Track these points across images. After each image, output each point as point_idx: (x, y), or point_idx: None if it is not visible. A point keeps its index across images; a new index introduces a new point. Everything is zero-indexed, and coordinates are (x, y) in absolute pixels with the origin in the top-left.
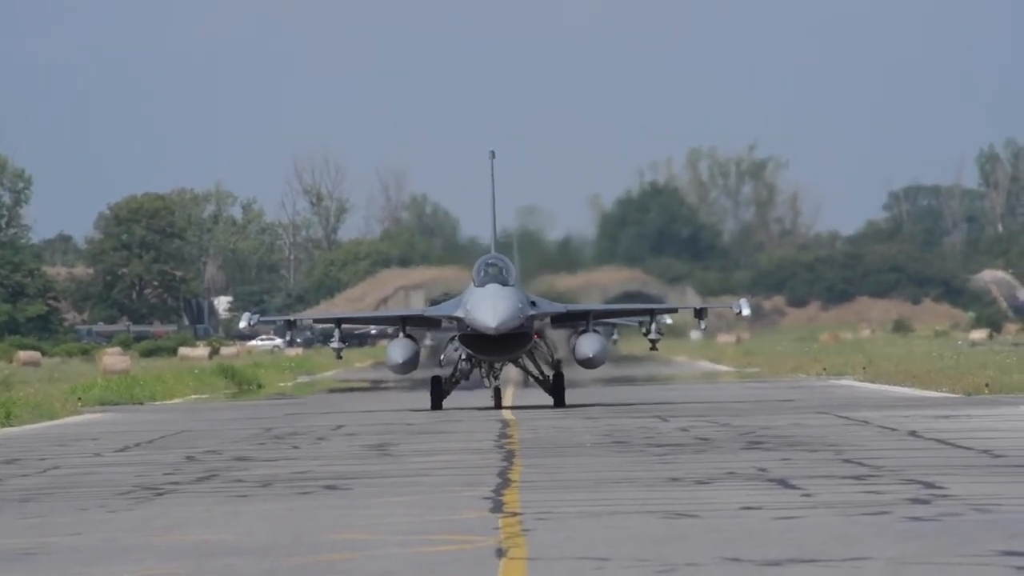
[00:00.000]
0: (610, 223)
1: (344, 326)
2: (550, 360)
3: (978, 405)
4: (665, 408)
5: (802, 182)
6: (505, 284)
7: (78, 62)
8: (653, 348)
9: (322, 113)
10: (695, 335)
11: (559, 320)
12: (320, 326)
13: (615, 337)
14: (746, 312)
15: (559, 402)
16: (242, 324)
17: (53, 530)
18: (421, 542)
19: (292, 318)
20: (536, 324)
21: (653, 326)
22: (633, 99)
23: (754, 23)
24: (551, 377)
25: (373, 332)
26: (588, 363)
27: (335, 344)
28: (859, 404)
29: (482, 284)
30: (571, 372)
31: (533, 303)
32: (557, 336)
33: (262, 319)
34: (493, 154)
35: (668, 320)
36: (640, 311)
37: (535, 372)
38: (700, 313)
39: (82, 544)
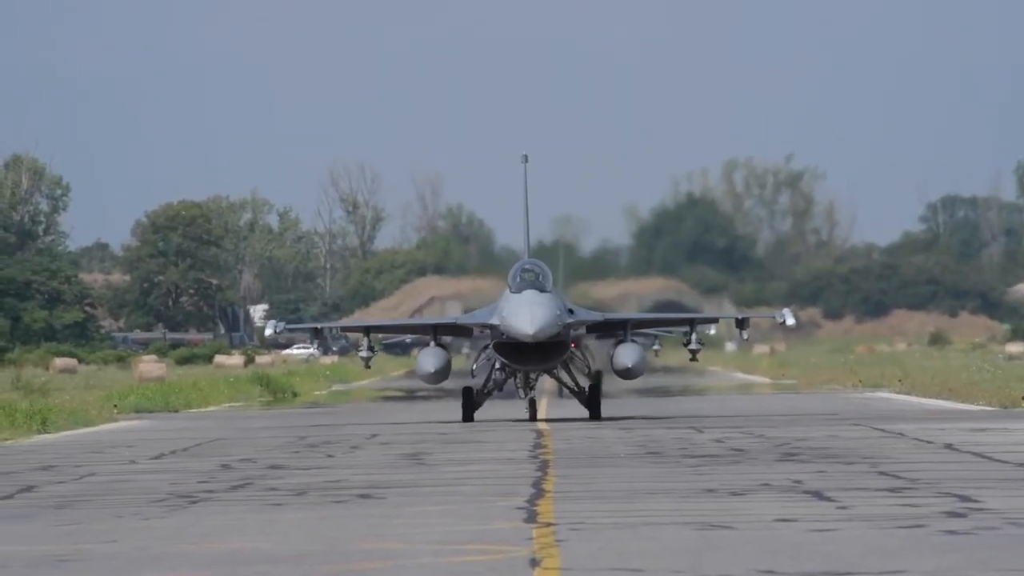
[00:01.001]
0: (646, 233)
1: (375, 335)
2: (587, 371)
3: (1015, 418)
4: (701, 420)
5: (838, 193)
6: (542, 290)
7: (116, 70)
8: (693, 359)
9: (358, 121)
10: (730, 346)
11: (596, 329)
12: (352, 335)
13: (657, 347)
14: (791, 322)
15: (595, 414)
16: (267, 332)
17: (88, 537)
18: (454, 552)
19: (319, 326)
20: (572, 333)
21: (694, 336)
22: (669, 109)
23: (791, 33)
24: (587, 388)
25: (408, 341)
26: (627, 373)
27: (363, 353)
28: (895, 416)
29: (519, 290)
30: (605, 383)
31: (571, 311)
32: (593, 346)
33: (288, 327)
34: (526, 158)
35: (712, 330)
36: (680, 321)
37: (571, 383)
38: (742, 323)
39: (117, 551)
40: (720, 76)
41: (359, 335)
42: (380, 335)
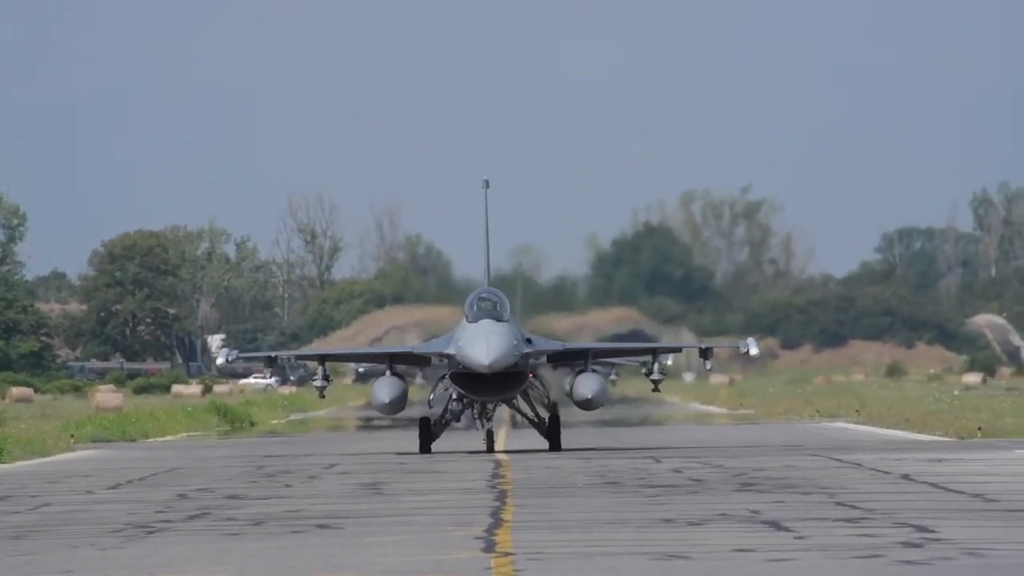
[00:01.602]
0: (605, 263)
1: (349, 364)
2: (545, 401)
3: (971, 449)
4: (661, 451)
5: (796, 224)
6: (499, 320)
7: (73, 100)
8: (655, 389)
9: (316, 151)
10: (688, 376)
11: (556, 359)
12: (310, 363)
13: (614, 377)
14: (754, 352)
15: (555, 445)
16: (219, 360)
17: (44, 568)
18: None
19: (273, 354)
20: (531, 363)
21: (656, 366)
22: (627, 140)
23: (749, 66)
24: (546, 419)
25: (361, 371)
26: (587, 404)
27: (318, 382)
28: (852, 447)
29: (475, 320)
30: (563, 413)
31: (529, 340)
32: (551, 376)
33: (241, 355)
34: (487, 183)
35: (669, 360)
36: (642, 350)
37: (530, 414)
38: (706, 353)
39: None
40: (679, 108)
41: (316, 364)
42: (358, 364)
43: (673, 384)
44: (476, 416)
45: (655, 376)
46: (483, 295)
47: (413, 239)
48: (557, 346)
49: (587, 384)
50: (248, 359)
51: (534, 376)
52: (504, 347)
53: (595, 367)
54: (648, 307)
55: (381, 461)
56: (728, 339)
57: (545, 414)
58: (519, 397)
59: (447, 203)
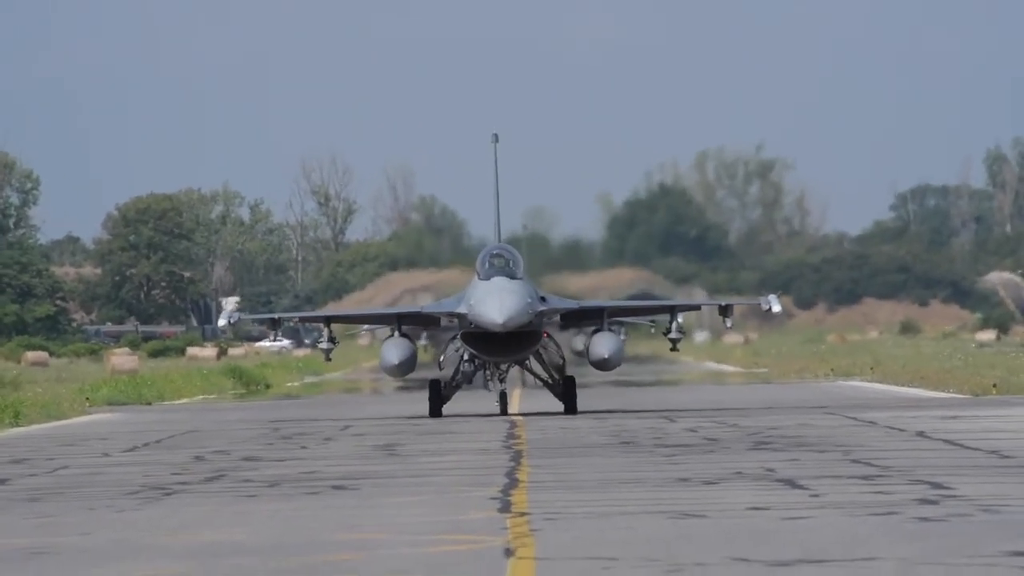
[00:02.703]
0: (618, 223)
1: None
2: (560, 362)
3: (986, 406)
4: (677, 411)
5: (809, 183)
6: (513, 277)
7: (87, 63)
8: (674, 348)
9: (330, 113)
10: (700, 335)
11: (570, 318)
12: (312, 324)
13: (622, 337)
14: (777, 308)
15: (570, 408)
16: (221, 322)
17: (61, 530)
18: (429, 542)
19: (277, 316)
20: (545, 322)
21: (674, 325)
22: (640, 100)
23: (761, 24)
24: (561, 380)
25: (363, 332)
26: (603, 364)
27: (323, 344)
28: (867, 405)
29: (487, 277)
30: (575, 374)
31: (543, 299)
32: (562, 338)
33: (244, 316)
34: (496, 137)
35: (680, 319)
36: (660, 308)
37: (543, 375)
38: (726, 310)
39: (90, 544)
40: (691, 67)
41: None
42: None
43: (686, 343)
44: (489, 378)
45: (673, 335)
46: (495, 251)
47: (427, 200)
48: (572, 304)
49: (604, 343)
50: (251, 321)
51: (548, 336)
52: (518, 305)
53: (611, 327)
54: (661, 267)
55: (396, 422)
56: (738, 298)
57: (559, 375)
58: (532, 358)
59: (461, 165)
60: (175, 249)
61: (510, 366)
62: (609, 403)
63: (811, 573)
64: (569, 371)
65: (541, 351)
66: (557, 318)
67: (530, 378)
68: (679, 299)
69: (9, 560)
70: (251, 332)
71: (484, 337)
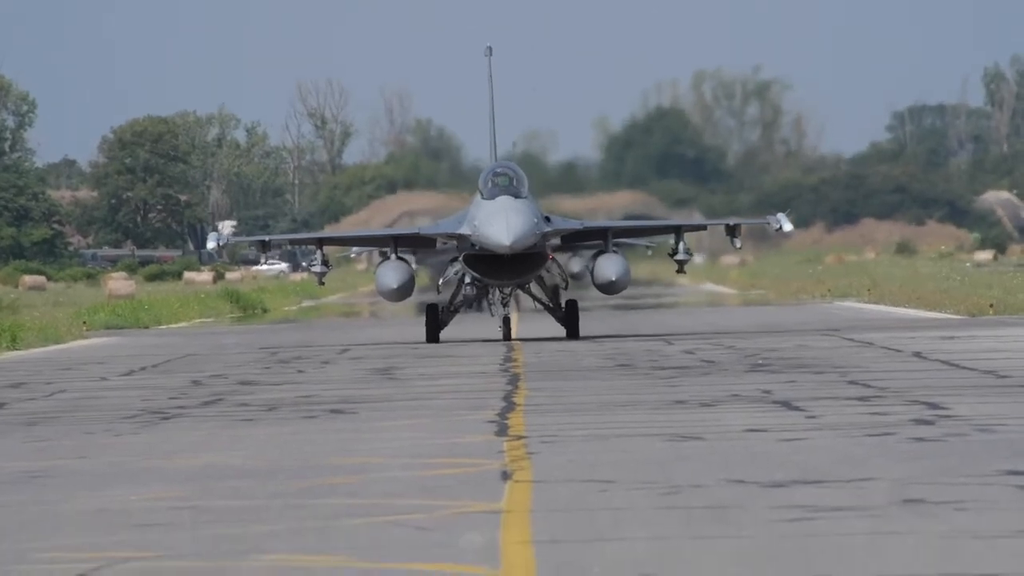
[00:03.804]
0: (615, 145)
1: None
2: (564, 284)
3: (983, 326)
4: (682, 336)
5: (807, 103)
6: (518, 196)
7: None
8: (680, 270)
9: (326, 35)
10: (697, 258)
11: (574, 239)
12: (308, 248)
13: (649, 253)
14: (788, 228)
15: (572, 332)
16: (210, 245)
17: (59, 454)
18: (426, 465)
19: (267, 239)
20: (549, 243)
21: (681, 245)
22: (635, 21)
23: None
24: (563, 304)
25: (352, 256)
26: (610, 287)
27: (316, 268)
28: (863, 326)
29: (491, 196)
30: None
31: (547, 218)
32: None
33: (232, 239)
34: (490, 50)
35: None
36: (665, 228)
37: (545, 299)
38: (733, 230)
39: (88, 468)
40: None
41: (333, 249)
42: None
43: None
44: (492, 302)
45: (680, 256)
46: (499, 169)
47: (423, 123)
48: (575, 225)
49: (611, 265)
50: (242, 243)
51: (552, 258)
52: (525, 226)
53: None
54: (659, 189)
55: (391, 348)
56: (768, 214)
57: (562, 299)
58: (534, 281)
59: (457, 88)
60: (171, 172)
61: (513, 289)
62: (606, 327)
63: (808, 494)
64: (577, 293)
65: (544, 274)
66: (558, 239)
67: (525, 301)
68: (686, 219)
69: (7, 483)
70: (248, 256)
71: (488, 259)
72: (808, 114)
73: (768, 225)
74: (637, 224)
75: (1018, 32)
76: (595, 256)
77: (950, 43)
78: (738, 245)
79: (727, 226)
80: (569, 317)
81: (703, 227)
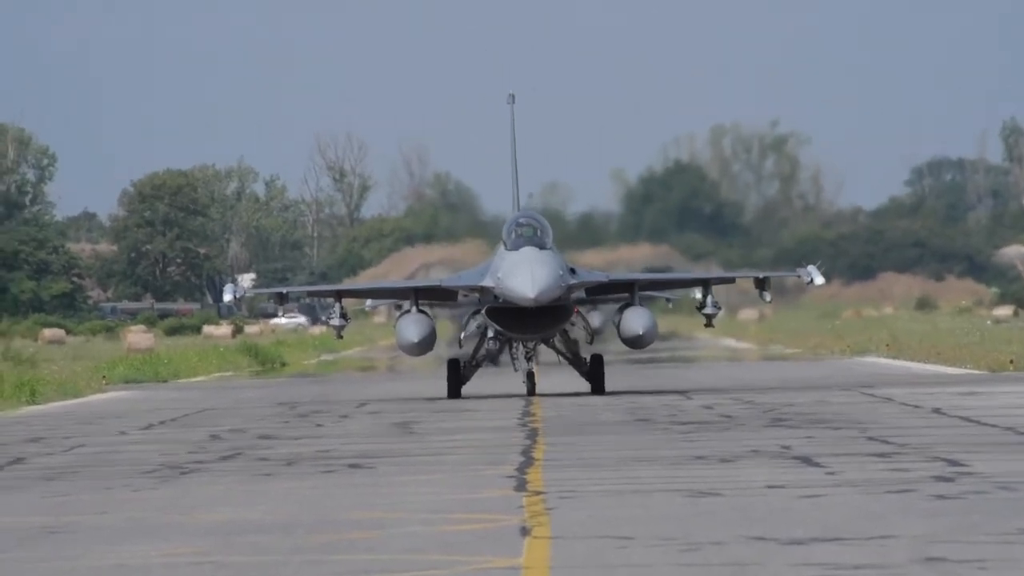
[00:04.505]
0: (634, 199)
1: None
2: (589, 339)
3: (1003, 382)
4: (704, 392)
5: (825, 157)
6: (542, 247)
7: (102, 39)
8: (709, 324)
9: (345, 89)
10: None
11: (599, 291)
12: (327, 301)
13: (670, 305)
14: (819, 281)
15: (598, 388)
16: (226, 297)
17: (78, 509)
18: (445, 520)
19: (284, 290)
20: (573, 296)
21: (709, 299)
22: (653, 75)
23: None
24: (588, 359)
25: (368, 308)
26: (637, 341)
27: (335, 321)
28: (883, 381)
29: (515, 247)
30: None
31: (572, 270)
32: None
33: (250, 291)
34: (513, 98)
35: (697, 294)
36: (693, 282)
37: (569, 353)
38: (763, 283)
39: (107, 523)
40: (706, 41)
41: (359, 304)
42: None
43: (700, 319)
44: (515, 356)
45: (709, 310)
46: (522, 220)
47: (442, 177)
48: (601, 277)
49: (637, 319)
50: (258, 295)
51: (577, 311)
52: (550, 278)
53: (641, 301)
54: (678, 243)
55: (411, 401)
56: (786, 269)
57: (587, 353)
58: (559, 335)
59: (476, 142)
60: (190, 225)
61: (537, 343)
62: (625, 382)
63: (827, 551)
64: (589, 350)
65: (568, 327)
66: (582, 292)
67: (547, 355)
68: (714, 272)
69: (26, 538)
70: (266, 309)
71: (511, 312)
72: (826, 168)
73: (799, 278)
74: (664, 277)
75: None
76: (621, 309)
77: (968, 98)
78: (768, 299)
79: (756, 279)
80: (594, 372)
81: (731, 280)
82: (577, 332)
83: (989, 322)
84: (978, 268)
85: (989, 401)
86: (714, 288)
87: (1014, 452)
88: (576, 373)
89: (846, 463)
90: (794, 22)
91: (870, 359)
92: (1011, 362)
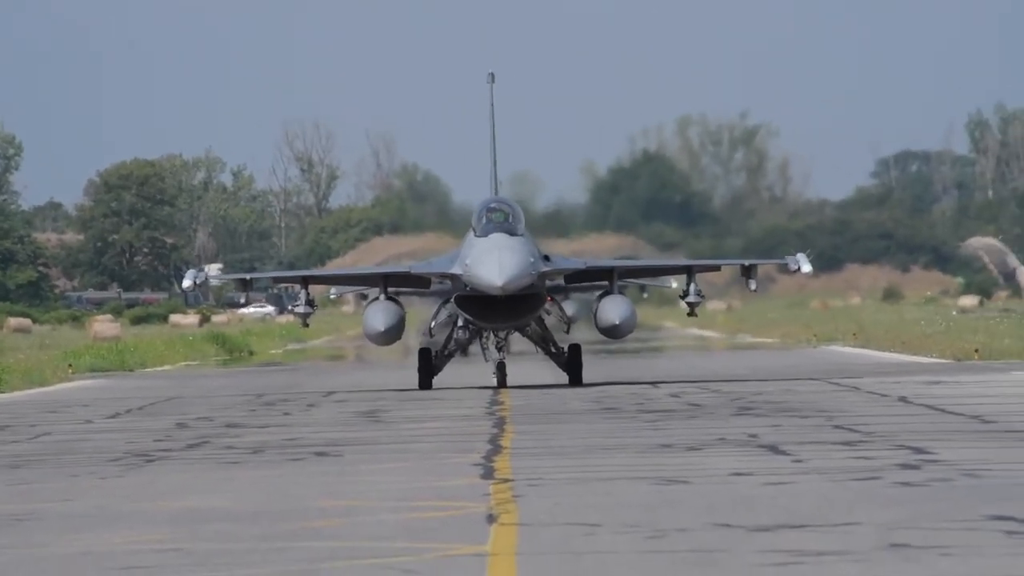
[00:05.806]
0: (602, 190)
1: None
2: (566, 328)
3: (968, 371)
4: (672, 381)
5: (792, 149)
6: (513, 233)
7: (68, 28)
8: (691, 313)
9: (312, 79)
10: (683, 303)
11: (576, 279)
12: (286, 286)
13: (646, 295)
14: (806, 268)
15: (575, 379)
16: (186, 283)
17: (44, 496)
18: (411, 508)
19: (248, 276)
20: (548, 284)
21: (692, 287)
22: (622, 66)
23: None
24: (565, 349)
25: (332, 296)
26: (614, 331)
27: (300, 309)
28: (849, 370)
29: (484, 234)
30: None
31: (546, 257)
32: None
33: (212, 276)
34: (492, 77)
35: (673, 284)
36: (676, 269)
37: (545, 344)
38: (749, 270)
39: (73, 511)
40: (675, 32)
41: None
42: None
43: (669, 310)
44: (486, 347)
45: (692, 299)
46: (493, 205)
47: (410, 167)
48: (578, 264)
49: (615, 308)
50: (220, 281)
51: (551, 300)
52: (519, 265)
53: (621, 289)
54: (645, 233)
55: (380, 390)
56: (773, 257)
57: (564, 344)
58: (534, 324)
59: (443, 133)
60: (157, 215)
61: (509, 333)
62: (593, 372)
63: (793, 538)
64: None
65: (543, 316)
66: (560, 280)
67: (519, 344)
68: (698, 259)
69: None
70: (234, 299)
71: (481, 301)
72: (794, 160)
73: (786, 266)
74: (644, 264)
75: (1001, 80)
76: (599, 298)
77: (935, 90)
78: (753, 287)
79: (743, 267)
80: (572, 362)
81: (716, 268)
82: (552, 321)
83: (955, 312)
84: (944, 259)
85: (955, 390)
86: (683, 279)
87: (979, 440)
88: (552, 364)
89: (812, 451)
90: (763, 14)
91: (837, 348)
92: (976, 351)
